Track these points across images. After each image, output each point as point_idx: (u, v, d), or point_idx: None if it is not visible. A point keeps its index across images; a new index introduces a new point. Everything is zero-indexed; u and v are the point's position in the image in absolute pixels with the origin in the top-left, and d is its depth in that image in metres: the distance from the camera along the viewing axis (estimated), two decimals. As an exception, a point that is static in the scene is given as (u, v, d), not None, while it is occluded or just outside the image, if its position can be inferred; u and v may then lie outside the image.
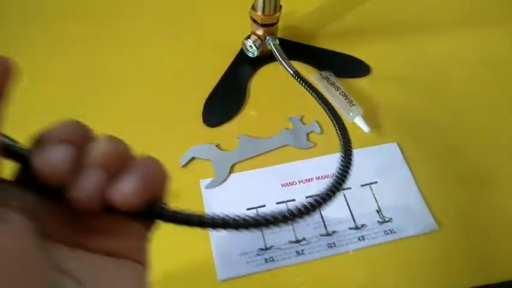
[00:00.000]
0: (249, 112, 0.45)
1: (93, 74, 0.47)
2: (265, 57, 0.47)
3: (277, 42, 0.45)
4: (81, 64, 0.48)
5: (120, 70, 0.48)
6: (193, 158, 0.41)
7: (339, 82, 0.46)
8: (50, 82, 0.46)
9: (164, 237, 0.37)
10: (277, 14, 0.44)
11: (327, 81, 0.46)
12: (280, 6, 0.44)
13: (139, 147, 0.44)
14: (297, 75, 0.40)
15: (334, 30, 0.52)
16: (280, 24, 0.49)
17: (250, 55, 0.47)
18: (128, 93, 0.46)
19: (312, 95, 0.38)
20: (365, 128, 0.42)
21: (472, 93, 0.48)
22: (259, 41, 0.46)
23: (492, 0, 0.57)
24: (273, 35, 0.46)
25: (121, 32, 0.51)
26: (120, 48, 0.50)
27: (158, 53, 0.49)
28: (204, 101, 0.45)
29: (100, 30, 0.51)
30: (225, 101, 0.45)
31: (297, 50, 0.50)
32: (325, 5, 0.55)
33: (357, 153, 0.41)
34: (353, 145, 0.43)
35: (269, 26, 0.45)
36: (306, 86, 0.39)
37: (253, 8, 0.44)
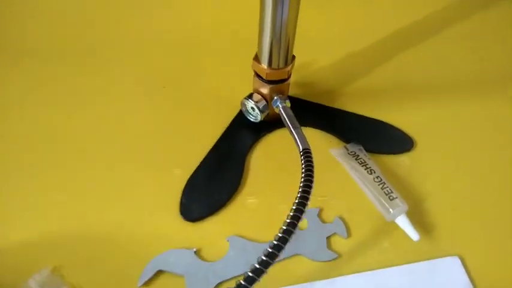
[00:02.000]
0: (246, 199, 0.32)
1: (44, 130, 0.36)
2: (272, 122, 0.36)
3: (288, 104, 0.34)
4: (36, 117, 0.37)
5: (75, 130, 0.36)
6: (159, 272, 0.28)
7: (372, 161, 0.33)
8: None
9: None
10: (289, 68, 0.32)
11: (356, 159, 0.33)
12: (293, 57, 0.33)
13: (82, 252, 0.29)
14: (306, 154, 0.28)
15: (361, 88, 0.41)
16: (292, 79, 0.37)
17: (252, 119, 0.36)
18: (84, 158, 0.34)
19: (303, 183, 0.26)
20: (413, 235, 0.29)
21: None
22: (263, 102, 0.34)
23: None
24: (282, 94, 0.34)
25: (90, 80, 0.40)
26: (87, 103, 0.38)
27: (129, 111, 0.38)
28: (184, 181, 0.33)
29: (66, 77, 0.40)
30: (213, 183, 0.33)
31: (312, 113, 0.37)
32: (350, 55, 0.44)
33: (400, 272, 0.28)
34: (394, 258, 0.30)
35: (277, 83, 0.33)
36: (305, 179, 0.27)
37: (256, 58, 0.32)
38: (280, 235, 0.24)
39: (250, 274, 0.22)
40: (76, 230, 0.30)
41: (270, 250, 0.23)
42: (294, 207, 0.25)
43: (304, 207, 0.25)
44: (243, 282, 0.22)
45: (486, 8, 0.51)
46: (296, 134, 0.31)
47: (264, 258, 0.23)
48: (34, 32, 0.45)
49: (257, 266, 0.23)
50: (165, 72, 0.42)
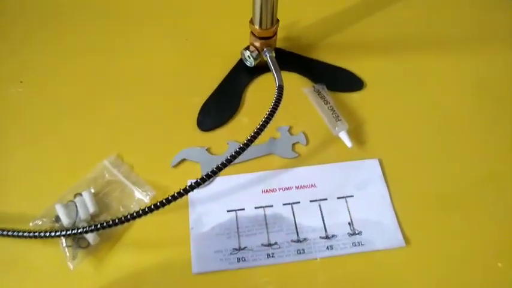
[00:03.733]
0: (242, 119, 0.48)
1: (96, 75, 0.51)
2: (263, 67, 0.50)
3: (273, 54, 0.48)
4: (84, 68, 0.52)
5: (122, 72, 0.51)
6: (184, 160, 0.44)
7: (330, 96, 0.48)
8: (52, 86, 0.50)
9: (147, 231, 0.41)
10: (274, 28, 0.46)
11: (318, 94, 0.48)
12: (278, 20, 0.46)
13: (134, 145, 0.49)
14: (279, 90, 0.43)
15: (333, 42, 0.54)
16: (281, 35, 0.51)
17: (248, 64, 0.50)
18: (129, 93, 0.50)
19: (269, 112, 0.41)
20: (348, 143, 0.44)
21: (464, 117, 0.48)
22: (256, 52, 0.48)
23: (497, 20, 0.57)
24: (270, 46, 0.48)
25: (124, 37, 0.55)
26: (122, 52, 0.53)
27: (161, 57, 0.53)
28: (200, 106, 0.48)
29: (103, 35, 0.55)
30: (219, 107, 0.48)
31: (294, 61, 0.52)
32: (327, 17, 0.57)
33: (337, 167, 0.44)
34: (335, 158, 0.45)
35: (266, 39, 0.47)
36: (274, 104, 0.41)
37: (252, 21, 0.46)
38: (252, 133, 0.39)
39: (232, 153, 0.38)
40: (127, 132, 0.46)
41: (244, 142, 0.38)
42: (263, 120, 0.40)
43: (267, 124, 0.39)
44: (228, 157, 0.38)
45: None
46: (276, 75, 0.45)
47: (240, 146, 0.38)
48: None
49: (236, 149, 0.38)
50: (188, 28, 0.56)
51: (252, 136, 0.39)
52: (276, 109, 0.41)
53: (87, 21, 0.56)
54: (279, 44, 0.51)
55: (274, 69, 0.46)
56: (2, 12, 0.57)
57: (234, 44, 0.51)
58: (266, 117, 0.41)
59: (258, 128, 0.40)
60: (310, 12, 0.57)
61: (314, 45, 0.54)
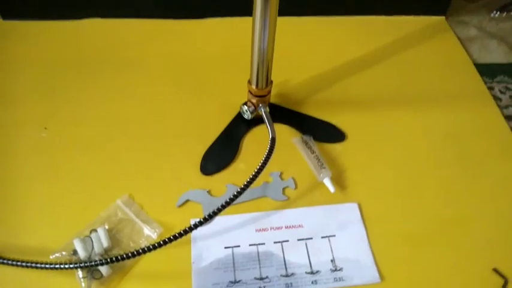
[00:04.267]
0: (239, 165, 0.54)
1: (111, 121, 0.58)
2: (259, 120, 0.57)
3: (268, 109, 0.55)
4: (101, 114, 0.59)
5: (135, 118, 0.59)
6: (187, 200, 0.50)
7: (315, 146, 0.55)
8: (72, 130, 0.57)
9: (154, 264, 0.46)
10: (268, 88, 0.54)
11: (305, 144, 0.55)
12: (271, 81, 0.54)
13: (144, 186, 0.56)
14: (272, 141, 0.50)
15: (319, 99, 0.62)
16: (274, 91, 0.59)
17: (246, 117, 0.57)
18: (140, 138, 0.57)
19: (263, 160, 0.48)
20: (331, 188, 0.50)
21: (434, 166, 0.55)
22: (252, 107, 0.56)
23: (462, 81, 0.66)
24: (264, 102, 0.56)
25: (137, 87, 0.63)
26: (135, 100, 0.61)
27: (170, 106, 0.60)
28: (202, 152, 0.55)
29: (118, 85, 0.63)
30: (220, 154, 0.55)
31: (285, 115, 0.59)
32: (314, 76, 0.66)
33: (322, 209, 0.51)
34: (320, 201, 0.52)
35: (261, 97, 0.55)
36: (268, 154, 0.48)
37: (249, 82, 0.54)
38: (249, 178, 0.45)
39: (231, 197, 0.44)
40: (138, 173, 0.52)
41: (241, 187, 0.45)
42: (258, 167, 0.46)
43: (261, 171, 0.46)
44: (227, 200, 0.44)
45: (418, 43, 0.71)
46: (269, 127, 0.52)
47: (238, 190, 0.45)
48: (94, 53, 0.67)
49: (234, 193, 0.44)
50: (194, 82, 0.64)
51: (248, 181, 0.46)
52: (269, 158, 0.48)
53: (105, 72, 0.64)
54: (272, 100, 0.59)
55: (268, 123, 0.53)
56: (31, 65, 0.65)
57: (234, 98, 0.58)
58: (260, 165, 0.47)
59: (254, 175, 0.46)
60: (300, 72, 0.66)
61: (303, 101, 0.62)
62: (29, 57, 0.66)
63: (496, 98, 0.63)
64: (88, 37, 0.70)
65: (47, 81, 0.63)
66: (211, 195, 0.51)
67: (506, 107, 0.62)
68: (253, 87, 0.53)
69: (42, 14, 0.70)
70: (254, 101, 0.55)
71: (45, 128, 0.56)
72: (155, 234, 0.47)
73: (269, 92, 0.55)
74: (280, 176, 0.53)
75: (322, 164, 0.52)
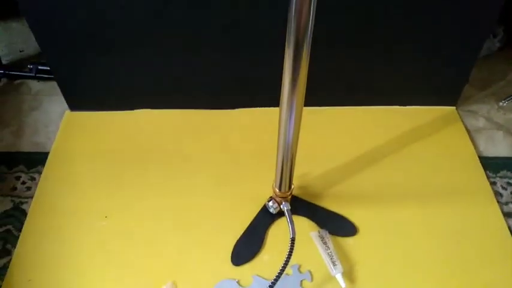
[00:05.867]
0: (263, 256, 0.64)
1: (159, 213, 0.69)
2: (281, 213, 0.67)
3: (289, 207, 0.64)
4: (151, 207, 0.70)
5: (177, 210, 0.69)
6: (221, 289, 0.60)
7: (330, 241, 0.63)
8: (127, 220, 0.69)
9: None
10: (290, 191, 0.63)
11: (321, 240, 0.63)
12: (292, 185, 0.63)
13: (183, 274, 0.67)
14: (292, 242, 0.59)
15: (335, 192, 0.71)
16: (296, 182, 0.68)
17: (271, 211, 0.67)
18: (180, 230, 0.67)
19: (285, 261, 0.57)
20: (342, 284, 0.59)
21: (444, 260, 0.62)
22: (276, 204, 0.65)
23: (469, 175, 0.72)
24: (287, 201, 0.65)
25: (180, 180, 0.74)
26: (178, 193, 0.72)
27: (206, 197, 0.71)
28: (232, 243, 0.64)
29: (167, 180, 0.74)
30: (248, 245, 0.65)
31: (304, 208, 0.68)
32: (332, 169, 0.74)
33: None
34: (332, 295, 0.60)
35: (284, 198, 0.64)
36: (288, 255, 0.57)
37: (274, 184, 0.64)
38: (275, 277, 0.54)
39: None
40: (180, 262, 0.63)
41: (269, 284, 0.54)
42: (281, 266, 0.56)
43: (285, 268, 0.55)
44: None
45: (428, 135, 0.78)
46: (290, 226, 0.61)
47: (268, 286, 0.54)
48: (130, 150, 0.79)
49: None
50: (226, 178, 0.74)
51: (273, 281, 0.55)
52: (289, 258, 0.57)
53: (152, 163, 0.76)
54: (294, 192, 0.68)
55: (289, 222, 0.62)
56: (93, 159, 0.77)
57: (261, 194, 0.68)
58: (283, 266, 0.56)
59: (277, 276, 0.55)
60: (319, 164, 0.75)
61: (321, 194, 0.71)
62: (89, 147, 0.79)
63: (498, 194, 0.69)
64: (138, 126, 0.82)
65: (107, 175, 0.74)
66: (240, 285, 0.61)
67: (507, 203, 0.68)
68: (277, 190, 0.63)
69: (101, 106, 0.84)
70: (278, 199, 0.65)
71: (106, 217, 0.68)
72: (194, 321, 0.57)
73: (291, 194, 0.64)
74: (299, 269, 0.62)
75: (335, 261, 0.61)
